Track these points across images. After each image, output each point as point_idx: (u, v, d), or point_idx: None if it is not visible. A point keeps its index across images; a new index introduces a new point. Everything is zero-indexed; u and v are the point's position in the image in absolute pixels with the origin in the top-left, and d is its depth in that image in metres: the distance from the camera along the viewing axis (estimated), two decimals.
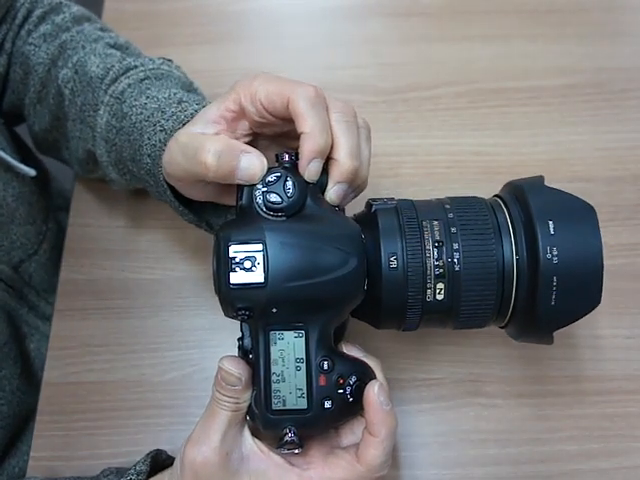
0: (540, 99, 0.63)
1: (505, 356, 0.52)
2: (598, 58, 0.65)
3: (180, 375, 0.52)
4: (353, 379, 0.38)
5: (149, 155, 0.45)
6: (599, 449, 0.49)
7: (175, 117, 0.45)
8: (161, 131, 0.45)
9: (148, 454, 0.44)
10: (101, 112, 0.49)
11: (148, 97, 0.47)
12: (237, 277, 0.36)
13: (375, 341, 0.48)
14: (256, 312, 0.37)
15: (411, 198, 0.42)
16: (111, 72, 0.50)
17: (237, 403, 0.39)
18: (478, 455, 0.49)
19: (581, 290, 0.38)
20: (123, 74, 0.50)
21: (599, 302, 0.39)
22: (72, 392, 0.52)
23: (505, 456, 0.49)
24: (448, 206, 0.40)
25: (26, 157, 0.61)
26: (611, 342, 0.52)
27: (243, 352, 0.40)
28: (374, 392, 0.38)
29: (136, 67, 0.50)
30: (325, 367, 0.38)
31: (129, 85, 0.49)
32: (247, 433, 0.40)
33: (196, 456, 0.38)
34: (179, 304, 0.55)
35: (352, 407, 0.39)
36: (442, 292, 0.39)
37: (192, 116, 0.44)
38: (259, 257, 0.36)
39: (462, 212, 0.40)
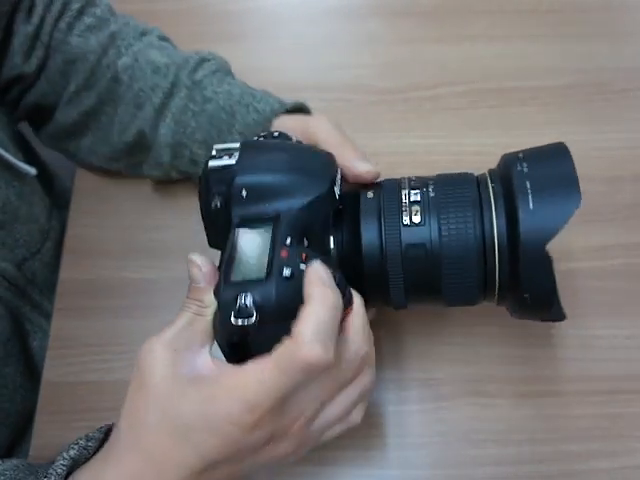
0: (540, 99, 0.63)
1: (505, 356, 0.52)
2: (598, 58, 0.65)
3: None
4: (318, 261, 0.37)
5: (241, 133, 0.52)
6: (599, 449, 0.49)
7: (265, 100, 0.52)
8: (254, 111, 0.52)
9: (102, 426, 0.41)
10: (180, 95, 0.53)
11: (229, 84, 0.54)
12: (214, 162, 0.40)
13: (375, 341, 0.48)
14: (229, 197, 0.39)
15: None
16: (191, 61, 0.54)
17: (200, 306, 0.38)
18: (478, 455, 0.49)
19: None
20: (199, 64, 0.55)
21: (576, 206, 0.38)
22: (72, 392, 0.52)
23: (505, 456, 0.49)
24: (431, 178, 0.42)
25: (28, 156, 0.61)
26: (611, 342, 0.52)
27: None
28: (315, 268, 0.35)
29: (209, 60, 0.56)
30: (287, 242, 0.37)
31: (205, 75, 0.54)
32: (206, 349, 0.37)
33: (144, 345, 0.37)
34: (179, 304, 0.55)
35: None
36: (418, 214, 0.40)
37: (278, 102, 0.52)
38: (236, 152, 0.41)
39: (442, 179, 0.42)
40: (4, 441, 0.53)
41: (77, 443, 0.39)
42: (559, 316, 0.40)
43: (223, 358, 0.37)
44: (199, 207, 0.42)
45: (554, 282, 0.38)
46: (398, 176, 0.44)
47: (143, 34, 0.57)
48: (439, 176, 0.43)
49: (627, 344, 0.52)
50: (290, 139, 0.45)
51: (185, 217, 0.59)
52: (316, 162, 0.41)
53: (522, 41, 0.67)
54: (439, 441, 0.49)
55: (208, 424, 0.34)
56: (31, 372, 0.56)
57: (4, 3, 0.53)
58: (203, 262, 0.38)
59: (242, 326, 0.34)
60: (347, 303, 0.37)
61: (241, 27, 0.69)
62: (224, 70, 0.56)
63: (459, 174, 0.43)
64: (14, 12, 0.54)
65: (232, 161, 0.40)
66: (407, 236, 0.40)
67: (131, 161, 0.57)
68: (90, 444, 0.39)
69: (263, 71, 0.61)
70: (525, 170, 0.39)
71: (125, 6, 0.60)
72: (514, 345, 0.51)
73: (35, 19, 0.55)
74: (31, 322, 0.58)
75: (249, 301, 0.34)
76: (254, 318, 0.34)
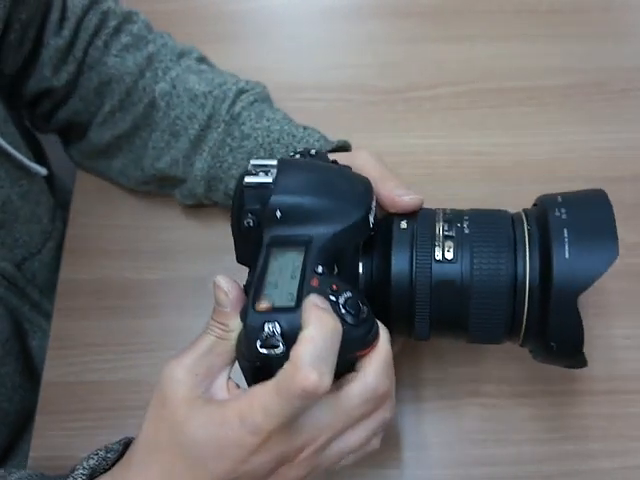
0: (540, 99, 0.63)
1: (505, 356, 0.52)
2: (598, 58, 0.65)
3: None
4: (348, 293, 0.36)
5: None
6: (599, 449, 0.49)
7: (305, 141, 0.52)
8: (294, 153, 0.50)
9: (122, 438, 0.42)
10: (218, 130, 0.53)
11: (268, 119, 0.53)
12: (250, 179, 0.39)
13: None
14: (262, 217, 0.38)
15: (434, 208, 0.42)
16: (230, 94, 0.54)
17: (224, 330, 0.37)
18: (478, 455, 0.49)
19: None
20: (238, 96, 0.54)
21: None
22: (72, 392, 0.52)
23: (505, 456, 0.49)
24: (466, 213, 0.41)
25: (38, 156, 0.61)
26: (611, 342, 0.52)
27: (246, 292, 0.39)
28: (311, 298, 0.34)
29: (247, 91, 0.55)
30: (319, 271, 0.36)
31: (243, 108, 0.54)
32: (226, 372, 0.38)
33: (166, 369, 0.37)
34: (179, 304, 0.55)
35: (345, 326, 0.34)
36: (451, 250, 0.39)
37: (319, 141, 0.51)
38: (273, 169, 0.39)
39: (478, 216, 0.41)
40: (3, 441, 0.53)
41: (97, 454, 0.39)
42: (582, 364, 0.40)
43: (243, 380, 0.38)
44: (230, 221, 0.41)
45: (582, 334, 0.38)
46: (433, 207, 0.43)
47: (181, 56, 0.57)
48: (474, 211, 0.42)
49: (627, 344, 0.52)
50: (327, 160, 0.44)
51: (186, 217, 0.59)
52: (353, 187, 0.40)
53: (522, 41, 0.67)
54: (439, 441, 0.49)
55: (219, 448, 0.34)
56: (30, 372, 0.57)
57: (26, 12, 0.52)
58: (230, 287, 0.37)
59: (268, 355, 0.34)
60: (373, 338, 0.37)
61: (241, 27, 0.69)
62: (262, 99, 0.55)
63: (495, 211, 0.42)
64: (43, 23, 0.54)
65: (269, 179, 0.39)
66: (438, 271, 0.39)
67: (162, 185, 0.58)
68: (109, 455, 0.39)
69: (263, 71, 0.61)
70: (563, 217, 0.38)
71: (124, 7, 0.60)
72: (514, 345, 0.51)
73: (66, 32, 0.54)
74: (30, 322, 0.58)
75: (277, 330, 0.34)
76: (281, 349, 0.34)
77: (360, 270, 0.41)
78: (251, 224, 0.38)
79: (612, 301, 0.53)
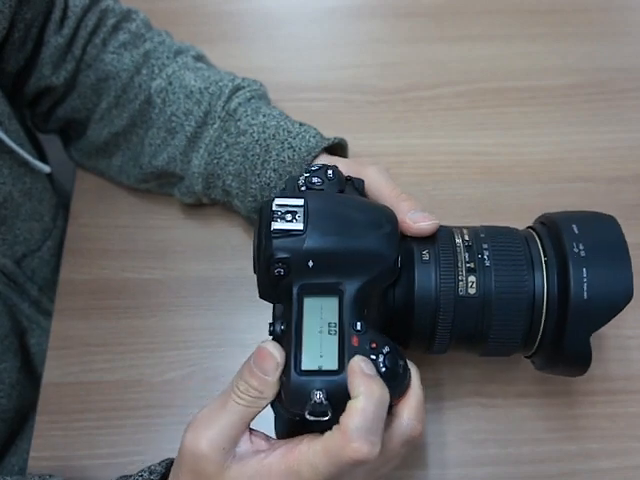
0: (540, 99, 0.63)
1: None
2: (598, 58, 0.65)
3: (179, 375, 0.52)
4: (386, 349, 0.36)
5: (275, 170, 0.50)
6: (599, 449, 0.49)
7: (301, 137, 0.51)
8: (289, 148, 0.50)
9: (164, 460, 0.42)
10: (214, 126, 0.53)
11: (264, 115, 0.53)
12: (278, 225, 0.37)
13: None
14: (293, 266, 0.37)
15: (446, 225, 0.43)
16: (225, 90, 0.53)
17: (259, 397, 0.36)
18: (478, 455, 0.49)
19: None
20: (234, 93, 0.54)
21: None
22: (72, 392, 0.52)
23: (505, 456, 0.49)
24: (483, 235, 0.41)
25: (39, 156, 0.61)
26: (611, 342, 0.52)
27: (274, 337, 0.38)
28: (356, 361, 0.35)
29: (243, 87, 0.55)
30: (358, 328, 0.36)
31: (240, 104, 0.53)
32: (247, 431, 0.38)
33: (189, 440, 0.37)
34: (179, 304, 0.55)
35: (384, 381, 0.35)
36: (474, 286, 0.40)
37: (315, 137, 0.50)
38: (300, 211, 0.37)
39: (496, 242, 0.41)
40: (1, 438, 0.53)
41: (141, 475, 0.40)
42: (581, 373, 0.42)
43: (262, 430, 0.38)
44: (252, 257, 0.40)
45: (590, 360, 0.40)
46: (448, 224, 0.43)
47: (178, 53, 0.57)
48: (489, 233, 0.42)
49: (627, 344, 0.52)
50: (344, 180, 0.42)
51: (186, 217, 0.59)
52: (381, 227, 0.39)
53: (522, 41, 0.67)
54: (439, 441, 0.49)
55: None
56: (29, 369, 0.57)
57: (30, 12, 0.52)
58: (280, 355, 0.36)
59: (315, 421, 0.35)
60: (407, 386, 0.38)
61: (241, 27, 0.69)
62: (258, 96, 0.55)
63: (508, 233, 0.42)
64: (45, 22, 0.54)
65: (299, 226, 0.37)
66: (461, 306, 0.40)
67: (161, 183, 0.58)
68: (152, 477, 0.40)
69: (263, 71, 0.61)
70: (582, 254, 0.39)
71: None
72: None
73: (66, 31, 0.54)
74: (29, 319, 0.58)
75: (323, 397, 0.35)
76: (328, 416, 0.34)
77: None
78: (282, 273, 0.37)
79: None
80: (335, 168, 0.42)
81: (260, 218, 0.39)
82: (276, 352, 0.36)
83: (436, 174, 0.60)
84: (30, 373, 0.56)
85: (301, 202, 0.37)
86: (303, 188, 0.41)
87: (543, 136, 0.61)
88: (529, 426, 0.50)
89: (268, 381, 0.36)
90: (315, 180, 0.41)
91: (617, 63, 0.65)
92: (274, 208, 0.37)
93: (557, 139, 0.61)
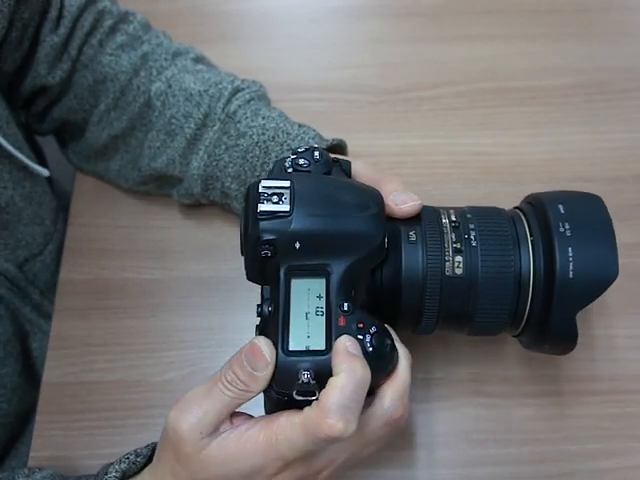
0: (540, 99, 0.63)
1: (505, 356, 0.52)
2: (598, 58, 0.65)
3: (179, 375, 0.52)
4: (373, 329, 0.37)
5: None
6: (599, 449, 0.49)
7: (300, 138, 0.51)
8: (288, 150, 0.50)
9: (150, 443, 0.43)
10: (214, 128, 0.53)
11: (264, 117, 0.53)
12: (265, 207, 0.37)
13: None
14: (280, 247, 0.37)
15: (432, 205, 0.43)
16: (225, 92, 0.54)
17: (245, 391, 0.36)
18: (478, 455, 0.49)
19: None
20: (234, 95, 0.54)
21: None
22: (72, 392, 0.52)
23: (505, 456, 0.49)
24: (469, 215, 0.42)
25: (38, 159, 0.61)
26: (611, 342, 0.52)
27: (262, 319, 0.39)
28: (342, 340, 0.35)
29: (243, 89, 0.55)
30: (345, 308, 0.37)
31: (239, 106, 0.53)
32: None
33: (171, 418, 0.37)
34: (178, 304, 0.55)
35: (370, 361, 0.36)
36: (460, 266, 0.40)
37: (314, 139, 0.51)
38: (286, 193, 0.37)
39: (483, 222, 0.41)
40: (0, 441, 0.53)
41: (128, 458, 0.40)
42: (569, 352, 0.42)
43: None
44: (239, 239, 0.40)
45: (576, 338, 0.40)
46: (434, 204, 0.43)
47: (176, 55, 0.57)
48: (475, 213, 0.42)
49: (627, 344, 0.52)
50: (330, 160, 0.42)
51: (185, 217, 0.59)
52: (368, 208, 0.39)
53: (522, 41, 0.67)
54: (439, 441, 0.49)
55: (244, 472, 0.36)
56: (30, 374, 0.56)
57: (28, 11, 0.52)
58: (271, 353, 0.36)
59: (303, 400, 0.35)
60: (394, 367, 0.38)
61: (240, 27, 0.69)
62: (258, 97, 0.55)
63: (494, 213, 0.43)
64: (41, 21, 0.54)
65: (285, 207, 0.37)
66: (448, 286, 0.40)
67: (159, 185, 0.58)
68: (139, 460, 0.41)
69: (263, 71, 0.61)
70: (567, 233, 0.39)
71: (123, 6, 0.60)
72: (514, 345, 0.51)
73: (62, 30, 0.54)
74: (31, 323, 0.58)
75: (311, 377, 0.35)
76: (316, 396, 0.35)
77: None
78: (269, 255, 0.37)
79: (612, 301, 0.53)
80: (322, 150, 0.42)
81: (247, 200, 0.39)
82: (267, 351, 0.36)
83: (436, 174, 0.60)
84: (31, 377, 0.56)
85: (287, 184, 0.38)
86: (290, 170, 0.41)
87: (543, 136, 0.61)
88: (529, 426, 0.50)
89: (256, 377, 0.36)
90: (302, 162, 0.41)
91: (617, 63, 0.65)
92: (260, 190, 0.37)
93: (557, 139, 0.61)
